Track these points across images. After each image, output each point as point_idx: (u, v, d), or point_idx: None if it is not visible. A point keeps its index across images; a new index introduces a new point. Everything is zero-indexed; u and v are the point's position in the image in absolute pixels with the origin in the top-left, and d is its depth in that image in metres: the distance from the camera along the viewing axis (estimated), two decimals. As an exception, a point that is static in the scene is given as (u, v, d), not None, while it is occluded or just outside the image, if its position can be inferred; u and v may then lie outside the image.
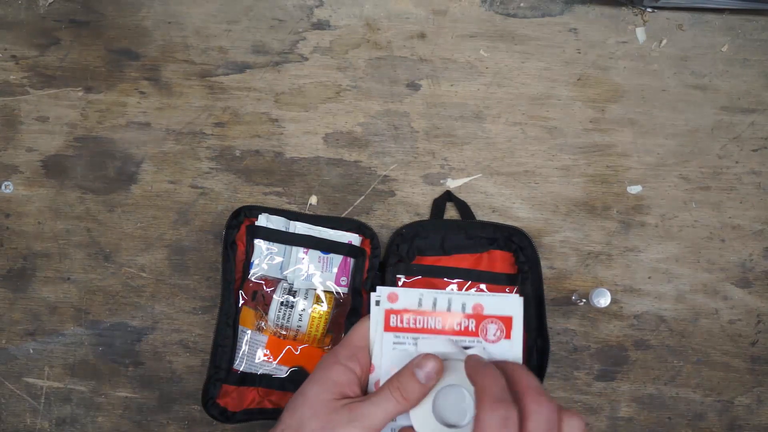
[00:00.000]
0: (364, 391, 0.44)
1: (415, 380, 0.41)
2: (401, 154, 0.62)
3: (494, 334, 0.44)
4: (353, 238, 0.59)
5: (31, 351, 0.62)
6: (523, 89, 0.63)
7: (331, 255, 0.59)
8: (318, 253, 0.59)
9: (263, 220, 0.59)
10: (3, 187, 0.63)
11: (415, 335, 0.44)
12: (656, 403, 0.61)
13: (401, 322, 0.44)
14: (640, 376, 0.61)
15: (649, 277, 0.62)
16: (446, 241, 0.60)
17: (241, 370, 0.58)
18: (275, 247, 0.59)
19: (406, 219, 0.62)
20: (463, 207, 0.61)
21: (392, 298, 0.45)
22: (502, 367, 0.40)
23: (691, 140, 0.62)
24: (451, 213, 0.62)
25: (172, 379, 0.61)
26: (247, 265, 0.59)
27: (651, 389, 0.61)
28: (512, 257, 0.60)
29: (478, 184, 0.62)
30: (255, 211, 0.59)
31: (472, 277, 0.59)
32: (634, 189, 0.62)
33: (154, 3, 0.64)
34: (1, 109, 0.63)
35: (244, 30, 0.63)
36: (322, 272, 0.59)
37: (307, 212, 0.62)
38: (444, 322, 0.44)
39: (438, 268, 0.59)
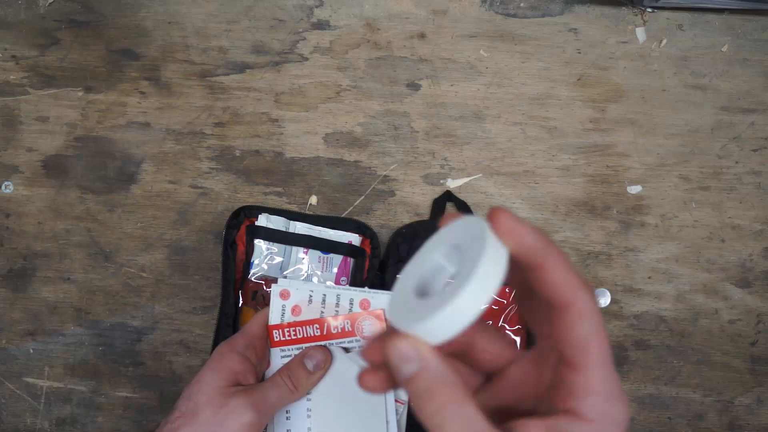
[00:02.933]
0: (260, 381, 0.45)
1: (304, 369, 0.43)
2: (401, 154, 0.62)
3: (370, 330, 0.45)
4: (353, 238, 0.59)
5: (31, 351, 0.62)
6: (523, 89, 0.63)
7: (331, 255, 0.59)
8: (318, 253, 0.59)
9: (263, 220, 0.59)
10: (3, 187, 0.63)
11: (299, 346, 0.45)
12: (656, 403, 0.61)
13: (284, 335, 0.45)
14: (640, 376, 0.61)
15: (649, 277, 0.62)
16: (446, 241, 0.59)
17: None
18: (275, 247, 0.59)
19: (406, 219, 0.62)
20: (463, 207, 0.61)
21: (284, 295, 0.46)
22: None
23: (691, 140, 0.62)
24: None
25: (172, 379, 0.61)
26: (247, 265, 0.59)
27: (651, 389, 0.61)
28: (512, 257, 0.60)
29: (478, 184, 0.62)
30: (255, 211, 0.59)
31: (472, 277, 0.59)
32: (634, 189, 0.62)
33: (154, 3, 0.64)
34: (1, 109, 0.63)
35: (244, 30, 0.63)
36: (322, 272, 0.59)
37: (307, 212, 0.62)
38: (322, 329, 0.45)
39: (438, 268, 0.59)
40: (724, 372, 0.61)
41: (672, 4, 0.61)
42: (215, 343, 0.57)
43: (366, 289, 0.47)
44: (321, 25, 0.63)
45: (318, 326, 0.46)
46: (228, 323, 0.57)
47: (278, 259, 0.59)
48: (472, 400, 0.24)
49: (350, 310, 0.46)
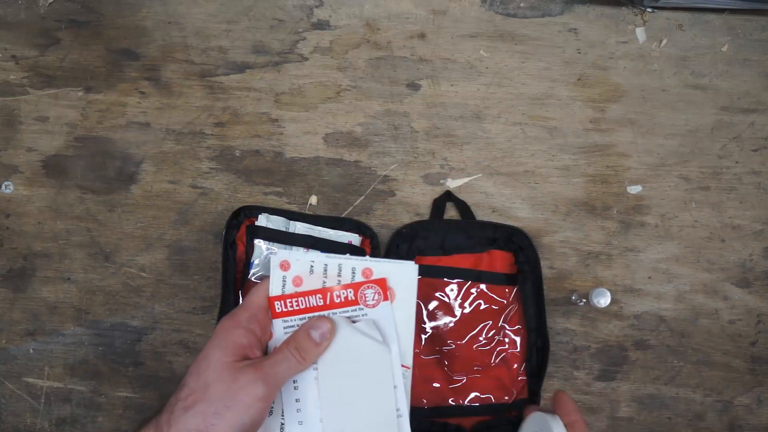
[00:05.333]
0: (265, 352, 0.46)
1: (311, 340, 0.44)
2: (401, 154, 0.62)
3: (373, 299, 0.46)
4: (353, 238, 0.59)
5: (31, 351, 0.62)
6: (523, 89, 0.63)
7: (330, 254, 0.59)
8: (318, 253, 0.59)
9: (263, 220, 0.59)
10: (3, 187, 0.63)
11: (302, 317, 0.46)
12: (656, 403, 0.61)
13: (285, 306, 0.46)
14: (640, 376, 0.61)
15: (649, 277, 0.62)
16: (446, 241, 0.60)
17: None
18: (275, 247, 0.59)
19: (406, 219, 0.62)
20: (463, 207, 0.61)
21: (284, 266, 0.46)
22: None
23: (691, 140, 0.62)
24: (451, 213, 0.62)
25: (172, 379, 0.61)
26: (247, 265, 0.59)
27: (651, 389, 0.61)
28: (512, 257, 0.60)
29: (478, 184, 0.62)
30: (255, 211, 0.59)
31: (472, 277, 0.59)
32: (634, 189, 0.62)
33: (154, 3, 0.64)
34: (1, 109, 0.63)
35: (244, 30, 0.63)
36: (322, 272, 0.59)
37: (307, 212, 0.62)
38: (325, 298, 0.46)
39: (438, 268, 0.59)
40: (724, 372, 0.61)
41: (672, 4, 0.61)
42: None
43: (368, 257, 0.47)
44: (321, 25, 0.63)
45: (321, 296, 0.46)
46: (228, 323, 0.57)
47: (278, 259, 0.59)
48: None
49: (352, 279, 0.47)
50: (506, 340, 0.60)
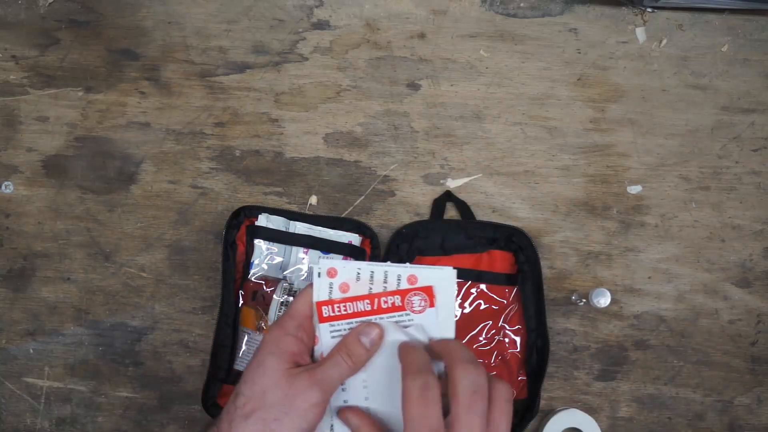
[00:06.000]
0: (312, 359, 0.48)
1: (362, 346, 0.45)
2: (401, 154, 0.62)
3: (419, 305, 0.47)
4: (353, 238, 0.59)
5: (31, 351, 0.62)
6: (523, 89, 0.63)
7: (331, 255, 0.59)
8: (318, 253, 0.59)
9: (263, 220, 0.59)
10: (3, 187, 0.63)
11: (349, 321, 0.47)
12: (656, 403, 0.61)
13: (333, 310, 0.47)
14: (640, 376, 0.61)
15: (649, 277, 0.62)
16: (446, 241, 0.60)
17: (241, 370, 0.58)
18: (275, 247, 0.59)
19: (406, 219, 0.62)
20: (463, 207, 0.61)
21: (331, 273, 0.48)
22: (438, 344, 0.45)
23: (691, 140, 0.62)
24: (451, 213, 0.62)
25: (172, 379, 0.61)
26: (247, 265, 0.59)
27: (651, 389, 0.61)
28: (512, 257, 0.60)
29: (478, 184, 0.62)
30: (255, 211, 0.59)
31: (472, 277, 0.59)
32: (634, 189, 0.62)
33: (154, 3, 0.64)
34: (1, 109, 0.63)
35: (244, 30, 0.63)
36: (322, 272, 0.59)
37: (307, 212, 0.62)
38: (373, 304, 0.47)
39: (438, 268, 0.59)
40: (724, 372, 0.61)
41: (672, 4, 0.61)
42: (215, 343, 0.57)
43: (411, 264, 0.49)
44: (321, 25, 0.63)
45: (369, 301, 0.47)
46: (228, 323, 0.57)
47: (278, 259, 0.59)
48: None
49: (398, 285, 0.48)
50: (506, 340, 0.60)
